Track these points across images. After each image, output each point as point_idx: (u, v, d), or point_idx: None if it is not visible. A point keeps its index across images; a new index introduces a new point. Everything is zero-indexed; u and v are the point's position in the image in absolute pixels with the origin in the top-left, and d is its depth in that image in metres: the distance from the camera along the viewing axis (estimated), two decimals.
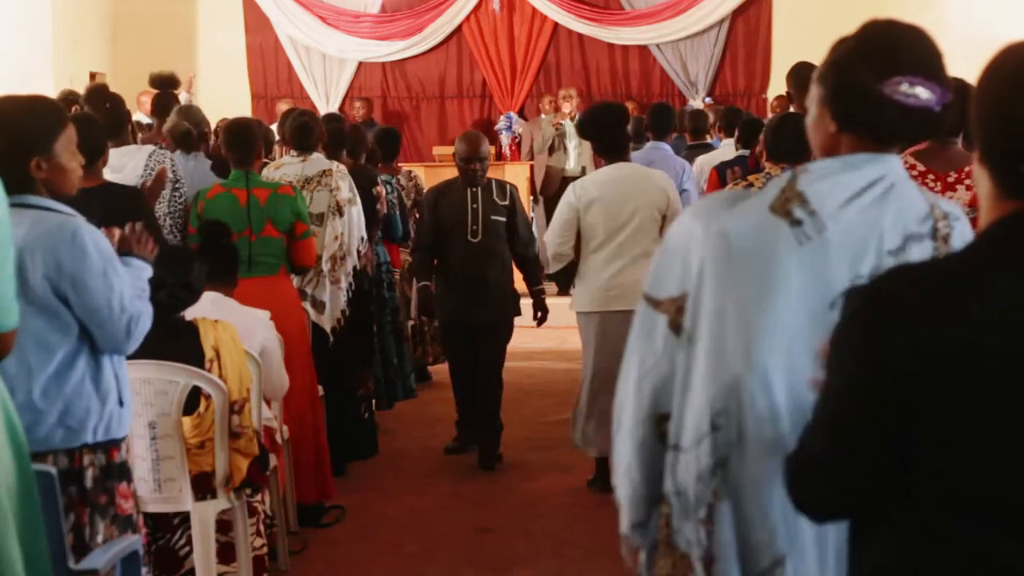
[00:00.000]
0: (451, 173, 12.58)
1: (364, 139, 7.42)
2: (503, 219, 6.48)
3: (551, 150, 12.01)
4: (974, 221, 1.93)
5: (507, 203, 6.51)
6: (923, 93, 2.08)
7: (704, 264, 2.20)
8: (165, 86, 8.34)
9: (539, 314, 6.60)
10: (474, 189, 6.46)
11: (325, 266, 6.17)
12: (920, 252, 2.13)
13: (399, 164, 8.76)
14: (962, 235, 2.16)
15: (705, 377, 2.17)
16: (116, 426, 3.36)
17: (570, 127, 11.86)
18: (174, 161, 5.75)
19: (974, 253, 1.65)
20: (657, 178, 5.97)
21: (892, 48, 2.11)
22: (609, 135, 5.94)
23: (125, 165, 5.64)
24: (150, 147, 5.77)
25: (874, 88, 2.08)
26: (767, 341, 2.11)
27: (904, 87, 2.07)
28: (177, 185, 5.70)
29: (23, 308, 3.13)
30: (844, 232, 2.12)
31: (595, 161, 6.32)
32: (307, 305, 6.14)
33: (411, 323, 8.43)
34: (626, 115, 6.12)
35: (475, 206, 6.45)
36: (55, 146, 3.28)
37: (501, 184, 6.64)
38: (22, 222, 3.18)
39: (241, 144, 5.56)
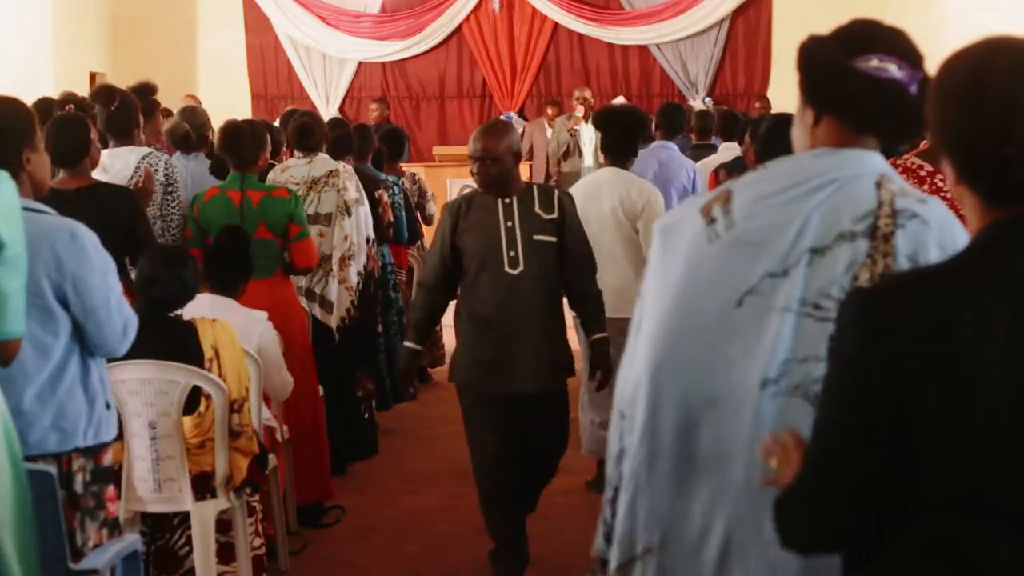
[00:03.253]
0: (450, 173, 12.53)
1: (371, 139, 7.42)
2: (551, 239, 4.64)
3: (566, 155, 11.95)
4: None
5: (555, 216, 4.67)
6: (894, 69, 2.08)
7: (650, 258, 2.27)
8: (143, 95, 8.34)
9: (597, 373, 4.78)
10: (507, 201, 4.63)
11: (334, 266, 6.19)
12: (850, 252, 2.08)
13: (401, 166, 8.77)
14: (916, 236, 2.08)
15: (628, 368, 2.23)
16: (105, 429, 3.36)
17: (585, 131, 11.75)
18: (169, 164, 5.72)
19: (965, 261, 1.64)
20: (635, 183, 5.89)
21: (865, 32, 2.13)
22: (621, 136, 5.89)
23: (114, 165, 5.60)
24: (145, 149, 5.73)
25: (843, 61, 2.09)
26: (668, 338, 2.13)
27: (874, 62, 2.08)
28: (170, 188, 5.65)
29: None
30: (756, 229, 2.12)
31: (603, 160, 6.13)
32: (315, 305, 6.15)
33: None
34: (642, 122, 6.10)
35: (510, 224, 4.61)
36: (36, 140, 3.29)
37: (546, 191, 4.77)
38: None
39: (237, 146, 5.55)
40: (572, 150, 11.88)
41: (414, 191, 8.60)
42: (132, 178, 5.48)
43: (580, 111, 11.86)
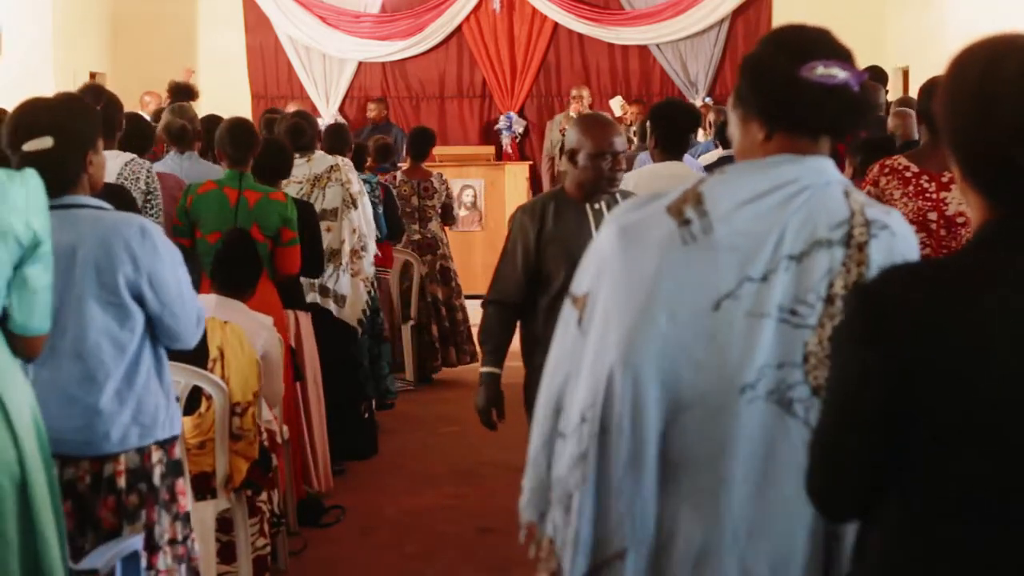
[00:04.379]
0: (450, 173, 12.55)
1: (348, 139, 7.42)
2: None
3: (561, 150, 12.00)
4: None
5: None
6: (840, 72, 2.10)
7: (603, 260, 2.23)
8: (182, 96, 8.33)
9: None
10: (597, 206, 4.06)
11: (344, 259, 6.20)
12: (827, 259, 2.10)
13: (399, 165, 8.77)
14: (887, 246, 2.12)
15: (587, 369, 2.20)
16: (177, 422, 3.42)
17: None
18: (150, 172, 5.70)
19: (969, 258, 1.64)
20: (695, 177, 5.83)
21: (802, 39, 2.16)
22: (676, 131, 5.66)
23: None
24: (128, 156, 5.70)
25: (792, 74, 2.11)
26: (640, 338, 2.12)
27: (820, 69, 2.10)
28: (150, 197, 5.62)
29: (99, 309, 3.17)
30: (735, 234, 2.12)
31: (652, 155, 5.88)
32: (328, 300, 6.15)
33: (411, 323, 8.43)
34: (697, 120, 6.02)
35: None
36: (98, 141, 3.32)
37: (626, 195, 4.16)
38: (79, 222, 3.20)
39: (240, 143, 5.55)
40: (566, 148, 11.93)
41: (442, 191, 8.60)
42: (118, 180, 5.48)
43: (574, 110, 11.92)
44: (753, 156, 2.19)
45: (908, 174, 4.11)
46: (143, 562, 3.22)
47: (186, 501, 3.44)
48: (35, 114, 3.25)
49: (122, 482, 3.25)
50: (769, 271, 2.10)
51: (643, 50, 13.92)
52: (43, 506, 2.79)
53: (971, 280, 1.60)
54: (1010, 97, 1.58)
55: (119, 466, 3.24)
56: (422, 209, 8.53)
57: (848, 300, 1.67)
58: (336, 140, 7.14)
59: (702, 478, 2.12)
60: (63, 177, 3.18)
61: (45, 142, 3.17)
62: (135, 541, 3.41)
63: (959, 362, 1.55)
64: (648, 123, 5.50)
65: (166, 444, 3.36)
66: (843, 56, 2.13)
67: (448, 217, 8.74)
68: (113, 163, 5.57)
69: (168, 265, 3.28)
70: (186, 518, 3.43)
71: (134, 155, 5.83)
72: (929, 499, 1.60)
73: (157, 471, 3.33)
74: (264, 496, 4.45)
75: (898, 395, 1.58)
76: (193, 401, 4.14)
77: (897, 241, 2.14)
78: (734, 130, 2.24)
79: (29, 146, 3.17)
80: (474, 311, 11.04)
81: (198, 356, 4.11)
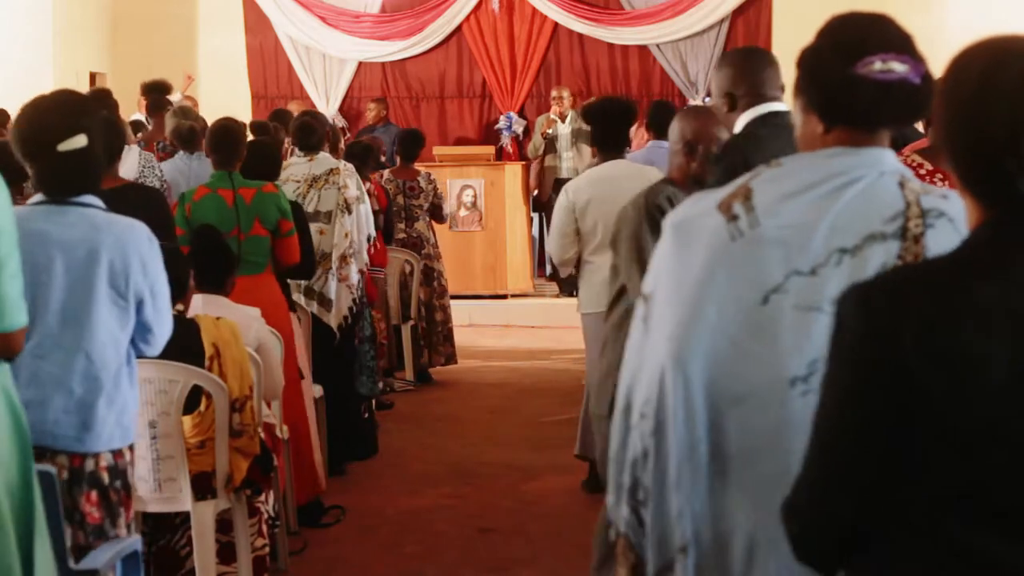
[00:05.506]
0: (450, 173, 12.51)
1: (337, 140, 7.45)
2: None
3: (545, 152, 12.05)
4: None
5: None
6: (898, 67, 2.07)
7: (661, 258, 2.23)
8: (157, 92, 8.39)
9: None
10: None
11: (334, 264, 6.20)
12: (883, 252, 2.08)
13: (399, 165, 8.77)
14: (944, 234, 2.09)
15: (647, 367, 2.20)
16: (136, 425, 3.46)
17: (563, 128, 11.93)
18: (158, 167, 5.76)
19: (965, 257, 1.64)
20: (652, 174, 5.93)
21: (857, 33, 2.12)
22: (612, 128, 5.85)
23: (122, 163, 5.66)
24: (135, 148, 5.77)
25: (848, 73, 2.08)
26: (690, 335, 2.12)
27: (878, 65, 2.07)
28: (162, 187, 5.69)
29: (106, 310, 3.18)
30: (782, 227, 2.10)
31: (592, 153, 6.00)
32: (313, 303, 6.16)
33: (411, 323, 8.44)
34: (633, 114, 6.08)
35: None
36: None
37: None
38: (98, 223, 3.22)
39: (226, 145, 5.55)
40: (548, 150, 12.00)
41: (429, 191, 8.61)
42: (139, 177, 5.55)
43: (557, 109, 12.01)
44: (812, 147, 2.18)
45: (922, 171, 4.12)
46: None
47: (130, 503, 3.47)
48: (58, 113, 3.24)
49: (107, 478, 3.26)
50: (818, 264, 2.08)
51: (643, 50, 13.91)
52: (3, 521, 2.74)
53: (966, 279, 1.60)
54: (1005, 104, 1.58)
55: (102, 462, 3.26)
56: (408, 208, 8.57)
57: (842, 300, 1.66)
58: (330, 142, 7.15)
59: (757, 471, 2.12)
60: (97, 175, 3.20)
61: (79, 140, 3.17)
62: (135, 541, 3.41)
63: (956, 361, 1.55)
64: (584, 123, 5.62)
65: (131, 448, 3.40)
66: (901, 47, 2.09)
67: (438, 216, 8.75)
68: (128, 157, 5.64)
69: (163, 274, 3.34)
70: (130, 520, 3.45)
71: (137, 147, 5.91)
72: (930, 500, 1.60)
73: (129, 471, 3.38)
74: (262, 496, 4.45)
75: (897, 394, 1.58)
76: (192, 400, 4.14)
77: (957, 227, 2.09)
78: (796, 118, 2.22)
79: (64, 146, 3.16)
80: (470, 312, 11.09)
81: (193, 354, 4.12)
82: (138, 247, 3.24)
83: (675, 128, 4.22)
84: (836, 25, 2.15)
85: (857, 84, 2.07)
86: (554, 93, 12.49)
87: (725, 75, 3.63)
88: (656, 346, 2.18)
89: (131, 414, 3.35)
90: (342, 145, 7.83)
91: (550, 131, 11.96)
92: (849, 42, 2.10)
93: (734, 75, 3.62)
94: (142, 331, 3.33)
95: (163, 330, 3.38)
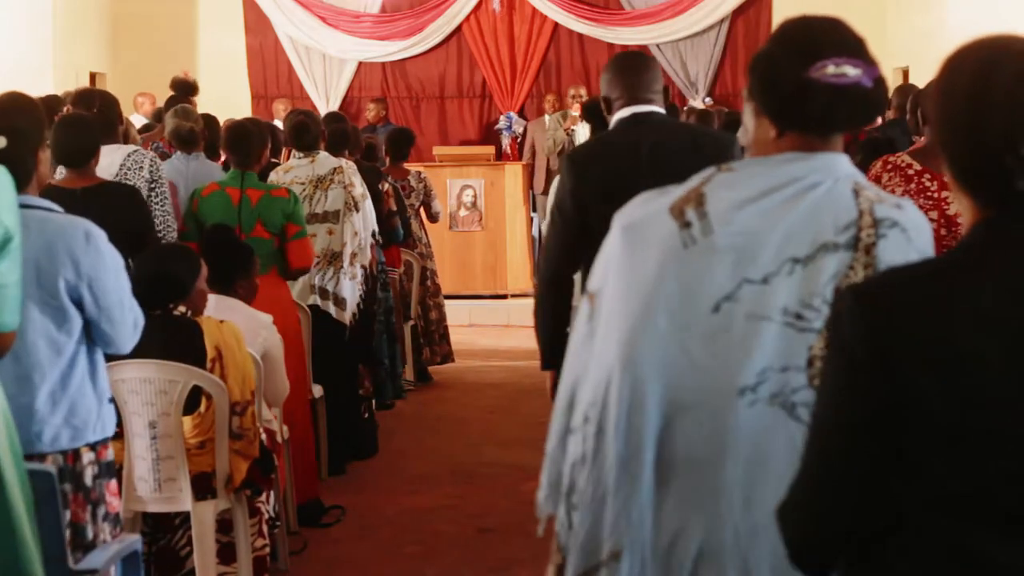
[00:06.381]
0: (450, 173, 12.51)
1: (359, 139, 7.47)
2: None
3: (560, 152, 11.96)
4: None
5: None
6: (851, 70, 2.05)
7: (608, 258, 2.22)
8: (185, 93, 8.39)
9: None
10: None
11: (345, 262, 6.20)
12: (835, 262, 2.05)
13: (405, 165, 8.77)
14: (897, 244, 2.07)
15: (592, 368, 2.19)
16: (109, 424, 3.42)
17: (582, 129, 11.76)
18: (154, 161, 5.73)
19: (960, 258, 1.63)
20: None
21: (810, 36, 2.11)
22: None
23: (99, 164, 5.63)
24: (131, 147, 5.74)
25: (801, 76, 2.07)
26: (640, 340, 2.10)
27: (831, 68, 2.05)
28: (154, 185, 5.64)
29: (37, 310, 3.17)
30: (734, 234, 2.09)
31: None
32: (328, 303, 6.16)
33: (411, 323, 8.44)
34: None
35: None
36: (44, 139, 3.32)
37: None
38: (29, 223, 3.20)
39: (242, 146, 5.57)
40: (567, 148, 11.87)
41: (420, 190, 8.61)
42: (117, 176, 5.51)
43: (577, 110, 11.87)
44: (765, 151, 2.16)
45: (911, 172, 4.12)
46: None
47: (117, 502, 3.45)
48: None
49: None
50: (770, 273, 2.07)
51: (643, 50, 13.92)
52: (17, 502, 2.75)
53: (965, 279, 1.59)
54: (1002, 103, 1.57)
55: (48, 467, 3.23)
56: None
57: (837, 302, 1.65)
58: (343, 141, 7.16)
59: (703, 479, 2.11)
60: (17, 177, 3.17)
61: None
62: (135, 541, 3.41)
63: (952, 362, 1.55)
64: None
65: (97, 446, 3.36)
66: (854, 51, 2.08)
67: (429, 214, 8.74)
68: (115, 156, 5.60)
69: (110, 271, 3.28)
70: (115, 519, 3.43)
71: (137, 147, 5.87)
72: (927, 501, 1.60)
73: (89, 472, 3.33)
74: (262, 496, 4.45)
75: (892, 396, 1.58)
76: (193, 401, 4.14)
77: (909, 236, 2.08)
78: (747, 122, 2.21)
79: None
80: (470, 311, 11.10)
81: (194, 355, 4.11)
82: (68, 246, 3.20)
83: None
84: (788, 29, 2.14)
85: (810, 88, 2.06)
86: (572, 92, 12.38)
87: (603, 80, 3.90)
88: (604, 349, 2.16)
89: (85, 414, 3.29)
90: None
91: (575, 128, 11.76)
92: (802, 46, 2.09)
93: (610, 80, 3.87)
94: (95, 330, 3.30)
95: (118, 328, 3.31)
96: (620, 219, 2.23)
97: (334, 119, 7.48)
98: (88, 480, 3.33)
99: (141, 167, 5.58)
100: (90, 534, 3.32)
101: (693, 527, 2.12)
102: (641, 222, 2.19)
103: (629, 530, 2.15)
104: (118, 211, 4.71)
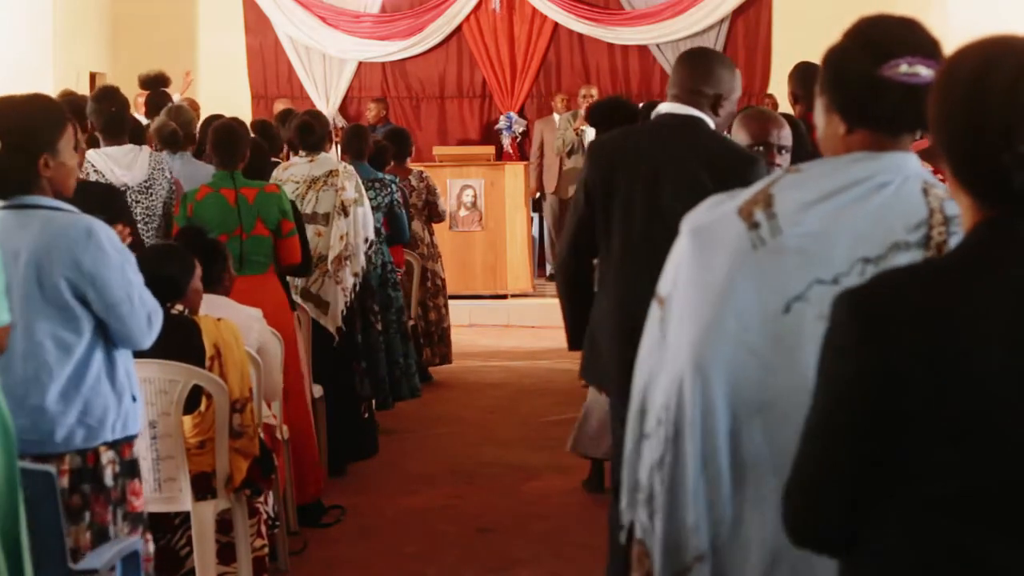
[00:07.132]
0: (450, 173, 12.52)
1: (368, 139, 7.48)
2: None
3: (570, 153, 11.93)
4: None
5: None
6: (924, 71, 2.05)
7: (679, 262, 2.22)
8: (155, 85, 8.40)
9: None
10: None
11: (330, 266, 6.18)
12: (907, 261, 2.02)
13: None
14: None
15: (664, 372, 2.19)
16: (132, 423, 3.40)
17: (591, 131, 11.68)
18: (160, 162, 5.80)
19: (959, 259, 1.63)
20: None
21: (885, 34, 2.10)
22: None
23: (132, 163, 5.78)
24: (147, 148, 5.84)
25: (874, 74, 2.06)
26: (710, 343, 2.10)
27: (903, 67, 2.05)
28: (172, 186, 5.72)
29: (42, 311, 3.17)
30: (804, 235, 2.09)
31: None
32: (310, 305, 6.15)
33: (410, 323, 8.44)
34: (638, 116, 6.09)
35: None
36: (59, 144, 3.29)
37: None
38: (31, 223, 3.21)
39: (227, 146, 5.55)
40: (576, 148, 11.83)
41: (422, 189, 8.59)
42: (148, 176, 5.63)
43: (585, 109, 11.84)
44: (834, 146, 2.16)
45: None
46: None
47: (139, 502, 3.44)
48: None
49: (64, 482, 3.23)
50: (840, 273, 2.06)
51: (643, 50, 13.91)
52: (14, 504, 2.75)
53: (963, 281, 1.59)
54: (1000, 102, 1.57)
55: (62, 466, 3.24)
56: None
57: (836, 304, 1.65)
58: (361, 142, 7.19)
59: (776, 481, 2.10)
60: (7, 179, 3.18)
61: None
62: (135, 541, 3.41)
63: (952, 362, 1.55)
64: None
65: (118, 445, 3.35)
66: (928, 51, 2.07)
67: (435, 214, 8.72)
68: (142, 157, 5.72)
69: (114, 268, 3.26)
70: (137, 518, 3.42)
71: (152, 150, 5.99)
72: (924, 502, 1.59)
73: (109, 471, 3.32)
74: (262, 496, 4.45)
75: (892, 397, 1.58)
76: (192, 400, 4.14)
77: None
78: (818, 117, 2.20)
79: None
80: (470, 311, 11.09)
81: (193, 354, 4.11)
82: (68, 244, 3.20)
83: (736, 132, 4.28)
84: (864, 26, 2.13)
85: (882, 86, 2.06)
86: (583, 91, 12.34)
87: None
88: (675, 352, 2.16)
89: (101, 413, 3.28)
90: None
91: (584, 129, 11.69)
92: (876, 43, 2.09)
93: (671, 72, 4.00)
94: (108, 327, 3.29)
95: (129, 324, 3.29)
96: (689, 222, 2.23)
97: (356, 132, 7.49)
98: (108, 479, 3.32)
99: (162, 167, 5.70)
100: (112, 534, 3.32)
101: (765, 531, 2.11)
102: (710, 225, 2.18)
103: (709, 533, 2.15)
104: (97, 210, 4.74)
